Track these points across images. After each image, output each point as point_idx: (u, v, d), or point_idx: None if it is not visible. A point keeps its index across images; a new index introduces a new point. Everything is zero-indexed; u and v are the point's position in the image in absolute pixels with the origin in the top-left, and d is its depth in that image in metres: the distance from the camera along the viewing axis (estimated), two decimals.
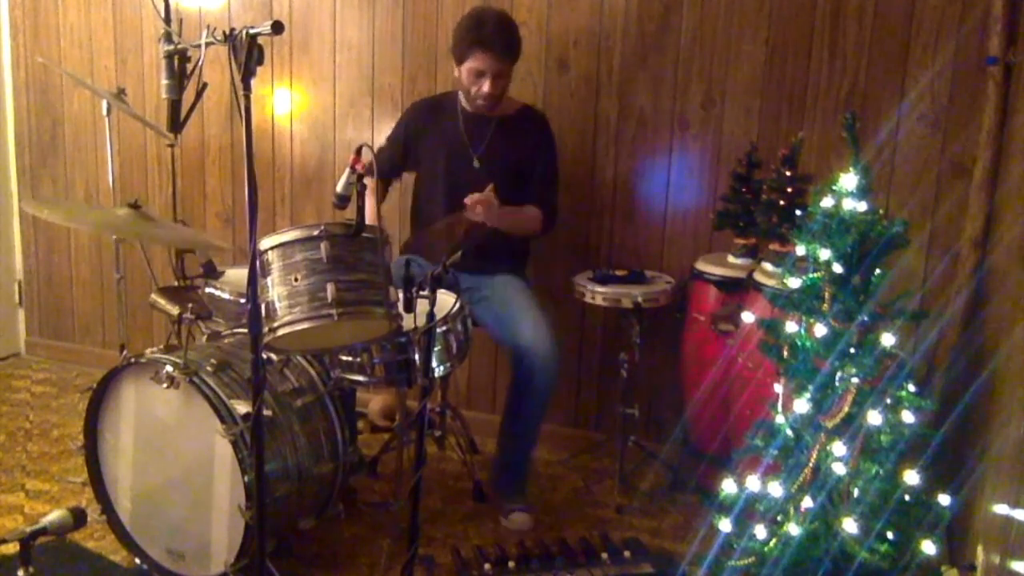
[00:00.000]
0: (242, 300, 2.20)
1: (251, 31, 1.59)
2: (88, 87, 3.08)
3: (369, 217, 2.57)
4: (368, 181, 2.75)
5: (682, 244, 2.94)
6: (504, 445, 2.68)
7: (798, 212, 2.36)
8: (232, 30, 1.61)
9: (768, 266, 2.47)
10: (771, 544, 1.76)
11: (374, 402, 3.15)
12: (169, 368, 2.08)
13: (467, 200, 2.47)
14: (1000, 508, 1.71)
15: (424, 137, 2.80)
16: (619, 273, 2.72)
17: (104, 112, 2.81)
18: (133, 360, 2.17)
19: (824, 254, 1.72)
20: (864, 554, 1.65)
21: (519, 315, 2.55)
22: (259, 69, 1.63)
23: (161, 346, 2.28)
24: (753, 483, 1.79)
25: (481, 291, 2.67)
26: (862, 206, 1.72)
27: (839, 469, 1.68)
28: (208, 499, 2.12)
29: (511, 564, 2.24)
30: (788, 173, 2.47)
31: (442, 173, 2.76)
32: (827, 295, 1.74)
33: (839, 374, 1.72)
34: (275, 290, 1.80)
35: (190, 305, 2.38)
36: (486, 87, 2.57)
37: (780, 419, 1.82)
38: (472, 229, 2.36)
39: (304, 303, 1.78)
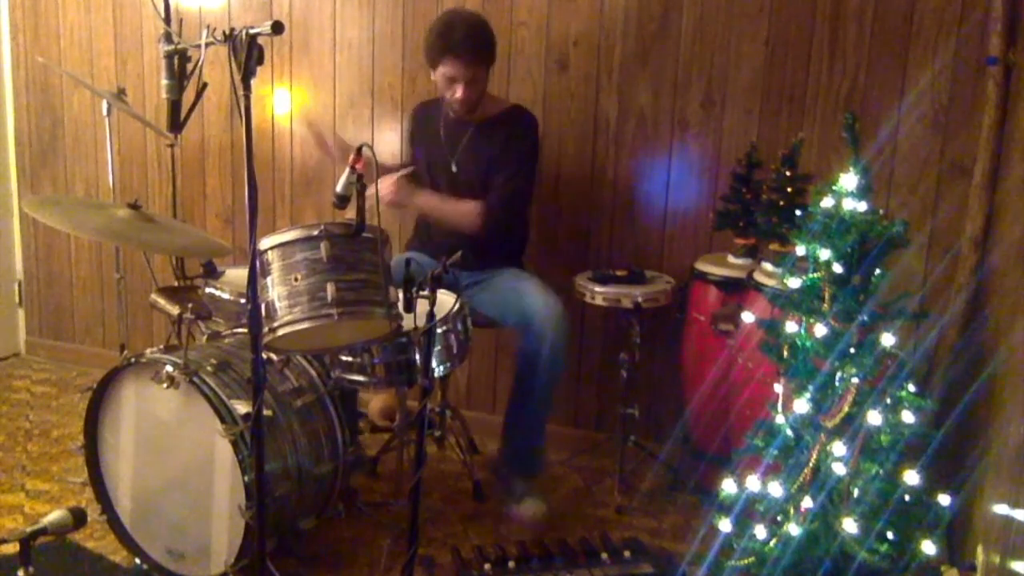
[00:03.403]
0: (242, 300, 2.20)
1: (251, 31, 1.60)
2: (88, 87, 3.08)
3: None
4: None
5: (682, 244, 2.94)
6: (512, 429, 2.59)
7: (798, 212, 2.36)
8: (232, 30, 1.62)
9: (768, 266, 2.47)
10: (771, 544, 1.76)
11: (374, 402, 3.15)
12: (169, 368, 2.08)
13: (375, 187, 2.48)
14: (1000, 508, 1.71)
15: (418, 141, 2.83)
16: (619, 273, 2.72)
17: (104, 112, 2.81)
18: (133, 360, 2.17)
19: (824, 254, 1.72)
20: (864, 554, 1.65)
21: (523, 288, 2.56)
22: (259, 69, 1.63)
23: (161, 346, 2.28)
24: (753, 483, 1.79)
25: (481, 284, 2.67)
26: (862, 206, 1.72)
27: (839, 469, 1.68)
28: (208, 499, 2.12)
29: (511, 564, 2.24)
30: (788, 173, 2.48)
31: (428, 177, 2.77)
32: (827, 295, 1.74)
33: (839, 374, 1.72)
34: (275, 290, 1.80)
35: (190, 305, 2.38)
36: (459, 93, 2.56)
37: (780, 419, 1.82)
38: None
39: (304, 303, 1.78)
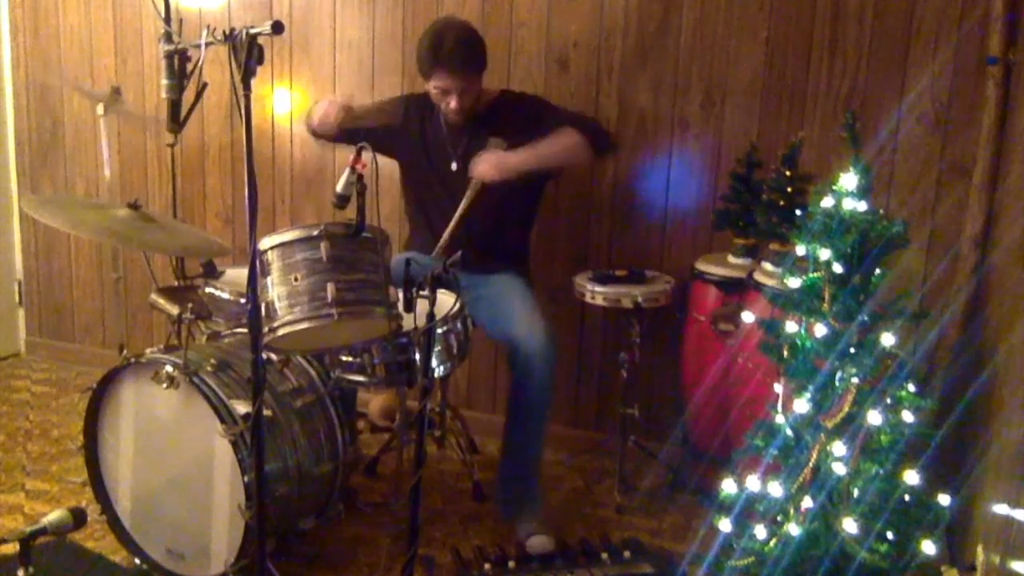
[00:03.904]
0: (242, 300, 2.20)
1: (251, 31, 1.60)
2: (84, 91, 3.04)
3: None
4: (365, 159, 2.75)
5: (682, 244, 2.94)
6: (508, 457, 2.57)
7: (798, 212, 2.35)
8: (232, 30, 1.61)
9: (768, 266, 2.47)
10: (771, 544, 1.76)
11: (374, 402, 3.15)
12: (169, 368, 2.08)
13: (472, 172, 2.47)
14: (1000, 508, 1.71)
15: (411, 134, 2.78)
16: (619, 273, 2.72)
17: (100, 112, 2.80)
18: (133, 360, 2.17)
19: (824, 254, 1.72)
20: (864, 554, 1.64)
21: (513, 309, 2.54)
22: (259, 69, 1.63)
23: (161, 346, 2.28)
24: (753, 483, 1.79)
25: (478, 289, 2.67)
26: (862, 206, 1.72)
27: (839, 469, 1.68)
28: (208, 499, 2.12)
29: (511, 564, 2.24)
30: (788, 173, 2.48)
31: (425, 179, 2.76)
32: (827, 295, 1.74)
33: (839, 374, 1.72)
34: (275, 290, 1.80)
35: (190, 305, 2.38)
36: (453, 104, 2.56)
37: (780, 419, 1.82)
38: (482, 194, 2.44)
39: (304, 303, 1.78)
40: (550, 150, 2.51)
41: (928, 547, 1.66)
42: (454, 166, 2.69)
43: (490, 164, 2.46)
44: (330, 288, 1.77)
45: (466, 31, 2.58)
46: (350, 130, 2.62)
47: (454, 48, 2.50)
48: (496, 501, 2.65)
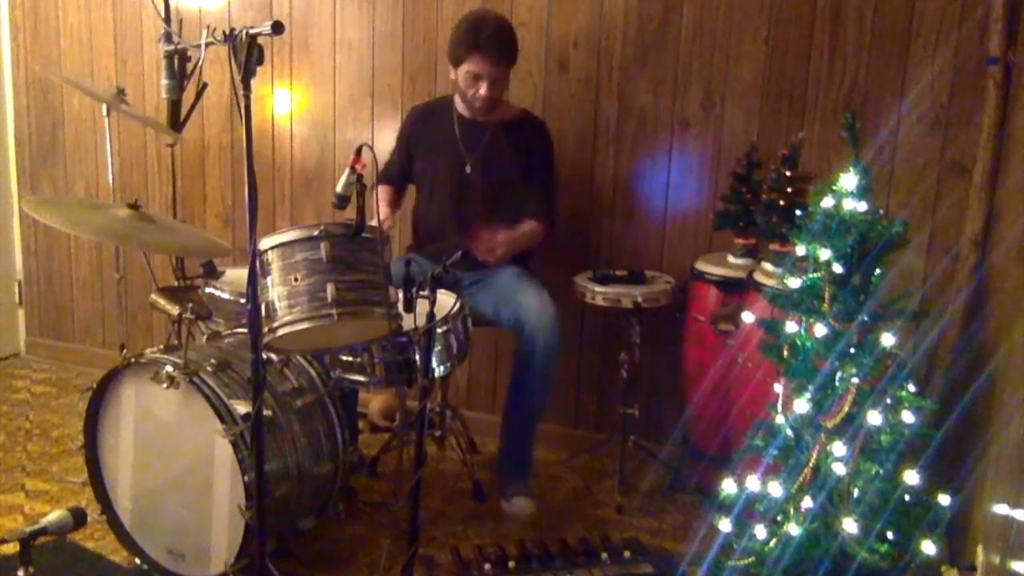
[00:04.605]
0: (242, 300, 2.20)
1: (251, 31, 1.60)
2: (87, 91, 3.06)
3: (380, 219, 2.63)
4: (382, 189, 2.82)
5: (682, 244, 2.94)
6: (507, 430, 2.67)
7: (798, 212, 2.36)
8: (232, 30, 1.62)
9: (768, 266, 2.47)
10: (771, 544, 1.76)
11: (374, 402, 3.15)
12: (169, 368, 2.08)
13: (475, 246, 2.52)
14: (1000, 508, 1.71)
15: (421, 142, 2.81)
16: (619, 273, 2.72)
17: (104, 113, 2.81)
18: (133, 360, 2.17)
19: (824, 254, 1.72)
20: (864, 554, 1.65)
21: (520, 290, 2.59)
22: (259, 69, 1.63)
23: (161, 346, 2.28)
24: (753, 483, 1.79)
25: (482, 282, 2.68)
26: (862, 206, 1.72)
27: (839, 469, 1.68)
28: (208, 499, 2.12)
29: (511, 564, 2.24)
30: (788, 173, 2.47)
31: (435, 177, 2.77)
32: (827, 295, 1.74)
33: (839, 374, 1.72)
34: (275, 290, 1.80)
35: (190, 305, 2.38)
36: (483, 91, 2.58)
37: (780, 419, 1.82)
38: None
39: (304, 303, 1.78)
40: (521, 246, 2.68)
41: (928, 547, 1.66)
42: (468, 169, 2.69)
43: (505, 253, 2.57)
44: (330, 288, 1.77)
45: (505, 22, 2.63)
46: (398, 176, 2.86)
47: (493, 35, 2.54)
48: (494, 472, 2.76)
